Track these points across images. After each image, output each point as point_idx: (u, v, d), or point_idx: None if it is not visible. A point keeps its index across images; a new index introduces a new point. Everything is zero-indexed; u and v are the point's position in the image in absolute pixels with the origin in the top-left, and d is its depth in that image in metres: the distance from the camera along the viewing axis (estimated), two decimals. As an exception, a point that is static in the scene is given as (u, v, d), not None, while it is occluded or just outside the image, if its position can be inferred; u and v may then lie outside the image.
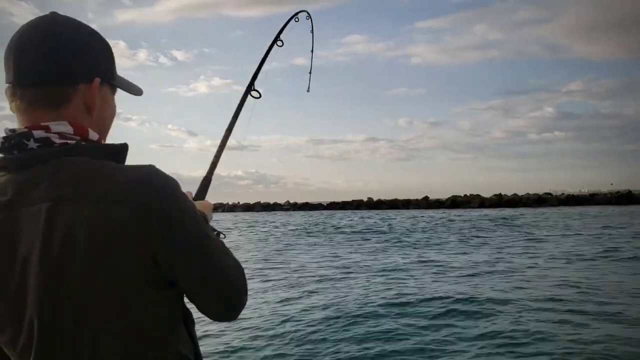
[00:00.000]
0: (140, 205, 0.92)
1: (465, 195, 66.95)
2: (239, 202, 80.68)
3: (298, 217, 49.38)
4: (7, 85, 0.99)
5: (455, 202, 64.69)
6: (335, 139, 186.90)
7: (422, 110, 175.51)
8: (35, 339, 0.93)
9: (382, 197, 70.17)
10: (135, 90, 1.19)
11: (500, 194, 65.16)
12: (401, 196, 71.64)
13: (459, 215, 40.64)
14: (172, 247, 0.95)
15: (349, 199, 72.55)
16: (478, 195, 66.05)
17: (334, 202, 73.95)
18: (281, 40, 1.97)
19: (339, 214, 53.98)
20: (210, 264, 1.00)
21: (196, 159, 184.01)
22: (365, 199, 71.18)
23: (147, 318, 0.97)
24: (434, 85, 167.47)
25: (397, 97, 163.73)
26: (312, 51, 2.29)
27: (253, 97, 1.82)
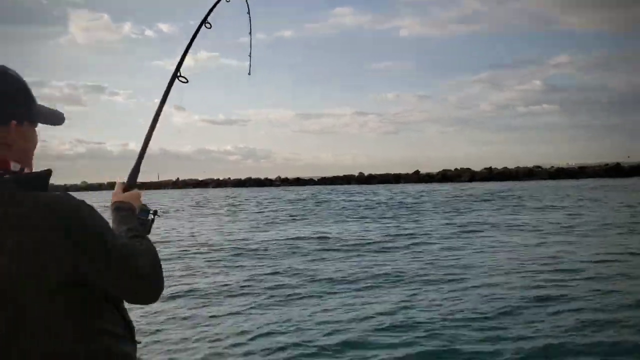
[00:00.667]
0: (52, 229, 1.14)
1: (455, 169, 67.26)
2: (229, 178, 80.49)
3: (293, 194, 49.33)
4: None
5: (445, 176, 65.00)
6: (323, 113, 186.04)
7: (411, 84, 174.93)
8: None
9: (372, 172, 70.39)
10: (56, 120, 1.39)
11: (490, 168, 65.53)
12: (390, 170, 71.98)
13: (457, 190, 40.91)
14: (80, 259, 1.17)
15: (338, 173, 72.63)
16: (468, 169, 66.38)
17: (324, 177, 73.98)
18: (209, 23, 2.01)
19: (340, 188, 54.10)
20: (118, 269, 1.22)
21: (183, 133, 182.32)
22: (356, 174, 71.33)
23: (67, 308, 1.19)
24: (422, 58, 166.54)
25: (385, 70, 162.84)
26: (250, 33, 2.32)
27: (181, 81, 1.93)
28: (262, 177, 78.26)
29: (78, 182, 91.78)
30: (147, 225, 1.58)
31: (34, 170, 1.31)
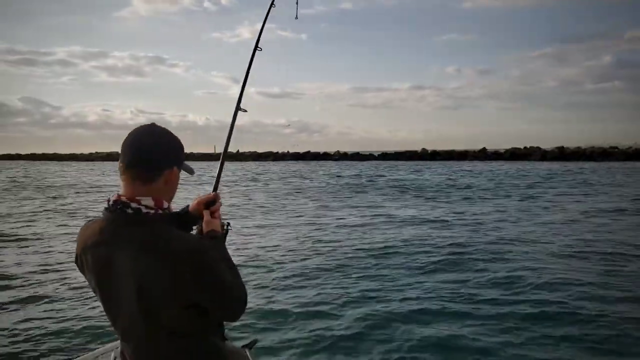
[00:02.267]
0: (184, 266, 1.48)
1: (525, 148, 64.02)
2: (288, 152, 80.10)
3: (355, 169, 48.10)
4: (120, 164, 1.56)
5: (514, 154, 62.00)
6: (380, 87, 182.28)
7: (472, 58, 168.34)
8: (127, 327, 1.59)
9: (427, 147, 68.00)
10: (190, 171, 1.76)
11: (562, 147, 61.91)
12: (448, 147, 69.45)
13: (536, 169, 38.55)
14: (200, 293, 1.52)
15: (393, 148, 70.60)
16: (539, 148, 63.02)
17: (386, 152, 72.27)
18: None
19: (403, 165, 52.54)
20: (222, 297, 1.58)
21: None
22: (419, 150, 69.24)
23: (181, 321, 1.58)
24: (485, 31, 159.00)
25: (446, 43, 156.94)
26: None
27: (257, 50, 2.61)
28: (314, 150, 77.21)
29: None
30: (224, 235, 1.90)
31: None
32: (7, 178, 36.20)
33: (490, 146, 68.11)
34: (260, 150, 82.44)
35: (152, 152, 1.53)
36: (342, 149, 76.18)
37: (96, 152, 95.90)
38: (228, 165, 66.92)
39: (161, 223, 1.53)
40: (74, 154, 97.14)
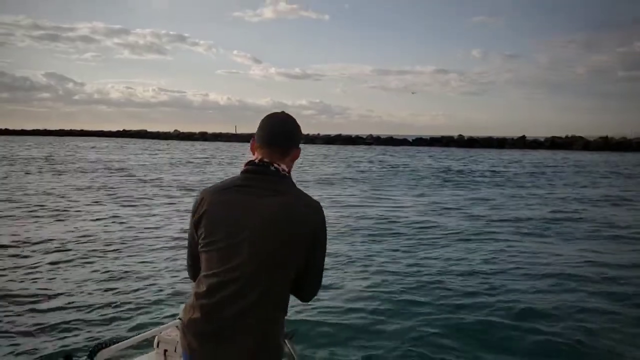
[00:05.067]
0: (311, 219, 1.77)
1: (566, 137, 62.35)
2: (319, 134, 79.12)
3: (407, 156, 47.02)
4: (260, 142, 1.88)
5: (555, 144, 60.41)
6: (403, 70, 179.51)
7: (499, 42, 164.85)
8: (237, 264, 1.73)
9: (451, 133, 66.46)
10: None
11: (606, 137, 60.16)
12: (471, 132, 68.36)
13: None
14: (313, 249, 1.78)
15: (415, 133, 69.38)
16: (581, 138, 61.31)
17: (420, 138, 70.99)
18: None
19: (438, 151, 51.32)
20: (321, 269, 1.86)
21: (261, 86, 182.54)
22: (455, 136, 67.84)
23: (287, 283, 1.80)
24: (515, 14, 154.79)
25: (473, 26, 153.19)
26: None
27: None
28: (334, 133, 76.11)
29: (170, 130, 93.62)
30: None
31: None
32: (60, 157, 35.77)
33: (515, 133, 66.56)
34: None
35: (289, 134, 1.90)
36: (364, 132, 74.99)
37: (124, 130, 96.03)
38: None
39: (292, 182, 1.88)
40: (102, 130, 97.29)
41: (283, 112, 1.95)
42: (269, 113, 1.97)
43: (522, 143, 62.40)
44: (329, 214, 10.29)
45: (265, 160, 1.84)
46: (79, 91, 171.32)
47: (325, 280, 1.96)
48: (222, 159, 35.87)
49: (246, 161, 1.90)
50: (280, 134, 1.89)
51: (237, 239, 1.74)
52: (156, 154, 40.07)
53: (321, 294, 5.87)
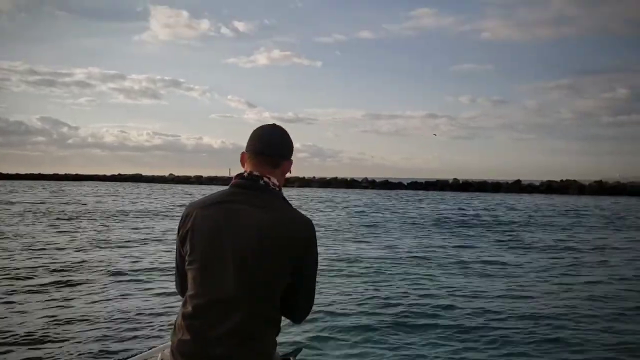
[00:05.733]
0: (300, 236, 1.72)
1: (561, 181, 62.68)
2: (314, 177, 79.22)
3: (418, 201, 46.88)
4: (249, 152, 1.86)
5: (550, 187, 60.64)
6: (394, 114, 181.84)
7: (487, 88, 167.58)
8: (223, 279, 1.68)
9: (444, 177, 66.89)
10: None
11: (600, 181, 60.52)
12: (462, 176, 69.02)
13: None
14: (302, 267, 1.73)
15: (407, 176, 69.89)
16: (575, 181, 61.66)
17: (415, 181, 71.17)
18: None
19: (436, 195, 51.26)
20: (312, 289, 1.80)
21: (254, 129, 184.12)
22: (450, 180, 68.06)
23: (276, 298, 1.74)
24: (502, 61, 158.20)
25: (461, 73, 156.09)
26: None
27: None
28: (329, 176, 76.34)
29: (165, 173, 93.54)
30: None
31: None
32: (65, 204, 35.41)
33: (507, 176, 66.99)
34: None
35: (280, 146, 1.86)
36: (358, 175, 75.33)
37: (119, 174, 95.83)
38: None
39: (283, 197, 1.82)
40: (96, 174, 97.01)
41: (274, 124, 1.91)
42: (259, 126, 1.90)
43: (517, 187, 62.62)
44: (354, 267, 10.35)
45: (255, 173, 1.80)
46: (73, 135, 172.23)
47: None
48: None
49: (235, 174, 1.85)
50: (271, 144, 1.85)
51: (223, 256, 1.68)
52: (166, 199, 39.80)
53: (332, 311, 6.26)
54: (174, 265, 1.93)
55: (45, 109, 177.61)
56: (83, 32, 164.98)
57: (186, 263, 1.76)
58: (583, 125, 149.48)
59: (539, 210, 31.36)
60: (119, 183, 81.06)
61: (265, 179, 1.79)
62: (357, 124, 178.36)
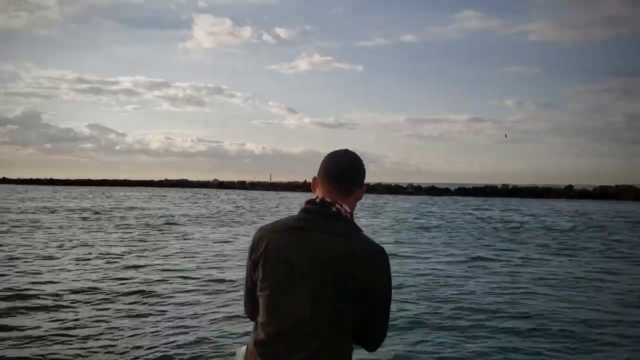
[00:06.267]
0: (374, 265, 1.69)
1: (617, 186, 60.79)
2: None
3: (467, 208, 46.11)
4: (322, 177, 1.85)
5: (605, 193, 58.91)
6: (437, 118, 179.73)
7: (534, 91, 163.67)
8: (292, 308, 1.68)
9: (489, 182, 65.74)
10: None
11: (659, 186, 58.41)
12: (508, 181, 67.75)
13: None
14: (375, 296, 1.72)
15: (452, 181, 68.85)
16: (631, 187, 59.69)
17: (463, 187, 70.26)
18: None
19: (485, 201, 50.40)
20: (386, 317, 1.77)
21: (295, 135, 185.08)
22: (499, 185, 66.93)
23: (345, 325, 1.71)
24: (549, 64, 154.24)
25: (507, 76, 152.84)
26: None
27: None
28: (372, 182, 75.73)
29: (210, 179, 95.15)
30: None
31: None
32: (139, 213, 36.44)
33: (552, 182, 65.44)
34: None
35: (353, 173, 1.85)
36: (400, 180, 74.91)
37: (165, 179, 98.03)
38: (298, 195, 67.14)
39: (355, 224, 1.79)
40: (144, 180, 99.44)
41: (347, 150, 1.89)
42: (331, 151, 1.89)
43: (569, 193, 61.09)
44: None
45: (327, 199, 1.79)
46: (120, 141, 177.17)
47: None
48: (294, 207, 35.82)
49: (307, 199, 1.84)
50: (344, 170, 1.83)
51: (295, 284, 1.68)
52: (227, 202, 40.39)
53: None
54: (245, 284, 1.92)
55: (94, 116, 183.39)
56: (130, 41, 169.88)
57: (258, 289, 1.77)
58: (634, 128, 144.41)
59: (616, 217, 30.46)
60: (166, 189, 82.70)
61: (338, 205, 1.78)
62: (400, 128, 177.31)
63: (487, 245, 17.23)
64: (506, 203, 48.28)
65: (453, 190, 69.12)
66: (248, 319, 1.95)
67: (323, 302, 1.66)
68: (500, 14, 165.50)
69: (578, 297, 9.56)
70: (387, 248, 1.84)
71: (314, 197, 1.84)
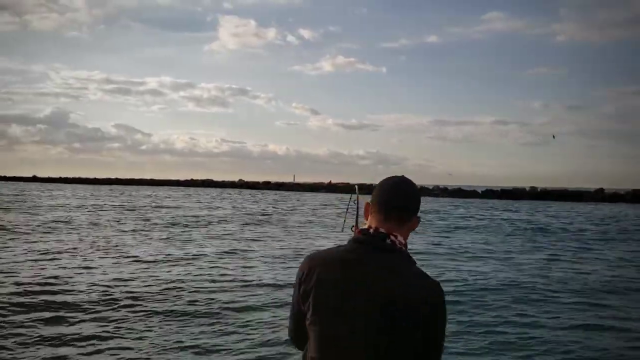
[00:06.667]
0: (431, 302, 1.64)
1: (651, 190, 59.34)
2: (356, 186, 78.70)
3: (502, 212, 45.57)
4: (376, 204, 1.77)
5: (637, 196, 57.53)
6: (461, 121, 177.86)
7: (561, 93, 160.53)
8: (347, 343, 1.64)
9: (515, 184, 64.69)
10: None
11: (694, 190, 56.87)
12: (534, 183, 66.79)
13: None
14: (430, 334, 1.65)
15: (475, 183, 67.91)
16: (666, 190, 58.19)
17: (490, 189, 69.38)
18: None
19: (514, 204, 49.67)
20: (440, 355, 1.69)
21: (318, 136, 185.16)
22: (527, 188, 65.91)
23: None
24: (577, 65, 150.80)
25: (533, 77, 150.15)
26: None
27: None
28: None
29: (235, 179, 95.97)
30: None
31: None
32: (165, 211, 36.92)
33: (580, 184, 64.12)
34: (353, 182, 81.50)
35: (411, 202, 1.76)
36: (423, 182, 74.44)
37: (192, 179, 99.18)
38: (325, 196, 67.20)
39: (409, 257, 1.73)
40: (170, 179, 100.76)
41: (403, 176, 1.81)
42: (387, 177, 1.82)
43: (600, 196, 59.87)
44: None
45: (381, 230, 1.72)
46: (145, 141, 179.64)
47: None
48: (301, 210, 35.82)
49: (360, 228, 1.80)
50: (400, 198, 1.75)
51: (348, 322, 1.63)
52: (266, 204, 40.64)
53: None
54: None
55: (120, 116, 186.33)
56: (156, 42, 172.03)
57: (307, 321, 1.72)
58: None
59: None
60: (192, 188, 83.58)
61: (392, 237, 1.71)
62: (423, 130, 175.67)
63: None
64: (551, 206, 47.53)
65: (480, 192, 68.26)
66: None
67: (376, 341, 1.62)
68: (527, 14, 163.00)
69: None
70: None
71: (366, 227, 1.77)
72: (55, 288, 9.05)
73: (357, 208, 2.27)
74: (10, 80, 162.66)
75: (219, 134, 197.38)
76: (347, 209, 2.47)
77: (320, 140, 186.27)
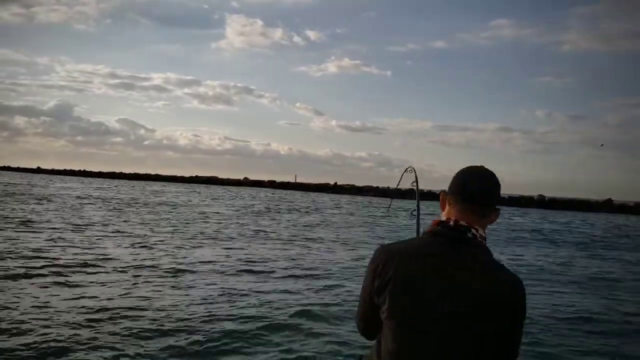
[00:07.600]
0: (513, 299, 1.57)
1: (658, 202, 59.52)
2: (388, 187, 78.80)
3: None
4: (455, 195, 1.68)
5: (645, 208, 57.68)
6: (465, 126, 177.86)
7: (565, 102, 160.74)
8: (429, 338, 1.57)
9: (519, 192, 64.74)
10: None
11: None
12: (538, 192, 66.59)
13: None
14: (510, 331, 1.59)
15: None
16: (674, 203, 58.37)
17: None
18: None
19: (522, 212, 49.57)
20: (517, 352, 1.61)
21: (321, 137, 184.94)
22: (535, 196, 65.93)
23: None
24: (582, 75, 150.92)
25: (538, 86, 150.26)
26: None
27: None
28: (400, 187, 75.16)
29: (240, 177, 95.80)
30: None
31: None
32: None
33: (583, 194, 64.18)
34: (358, 184, 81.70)
35: (493, 195, 1.67)
36: (426, 187, 74.47)
37: (196, 176, 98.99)
38: (337, 197, 66.97)
39: (489, 251, 1.64)
40: (174, 175, 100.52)
41: (482, 166, 1.72)
42: (465, 167, 1.72)
43: (609, 206, 59.93)
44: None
45: (462, 223, 1.62)
46: (149, 137, 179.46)
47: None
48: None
49: (436, 220, 1.68)
50: (483, 190, 1.66)
51: (428, 318, 1.56)
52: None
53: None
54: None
55: (124, 111, 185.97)
56: (162, 38, 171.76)
57: (383, 315, 1.64)
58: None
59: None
60: (195, 185, 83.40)
61: (474, 230, 1.62)
62: (426, 134, 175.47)
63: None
64: (566, 215, 47.45)
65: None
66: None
67: (456, 339, 1.55)
68: (534, 23, 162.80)
69: None
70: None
71: (444, 219, 1.67)
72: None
73: (418, 204, 2.54)
74: (15, 71, 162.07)
75: (222, 131, 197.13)
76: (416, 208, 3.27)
77: (322, 141, 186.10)
